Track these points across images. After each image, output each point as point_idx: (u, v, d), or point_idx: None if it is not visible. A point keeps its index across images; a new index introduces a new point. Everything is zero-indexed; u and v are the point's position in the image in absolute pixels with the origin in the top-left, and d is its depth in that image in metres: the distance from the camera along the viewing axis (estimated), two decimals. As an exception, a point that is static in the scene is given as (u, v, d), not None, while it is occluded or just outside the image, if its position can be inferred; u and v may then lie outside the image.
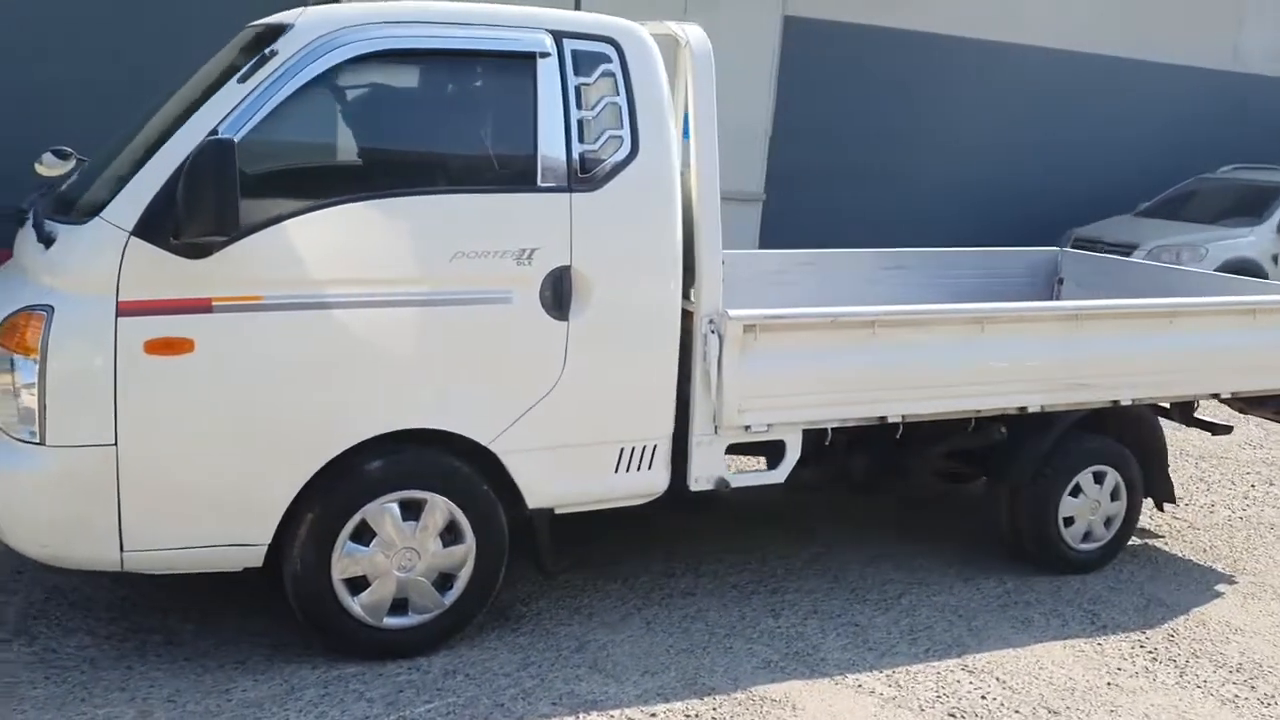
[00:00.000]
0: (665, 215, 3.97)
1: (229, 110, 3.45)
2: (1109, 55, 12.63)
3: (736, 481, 4.27)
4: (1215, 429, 5.69)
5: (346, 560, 3.71)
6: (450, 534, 3.86)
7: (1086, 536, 5.01)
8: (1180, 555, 5.33)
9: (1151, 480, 5.18)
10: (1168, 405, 5.35)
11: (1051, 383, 4.69)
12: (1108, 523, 5.05)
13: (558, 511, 4.04)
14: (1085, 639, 4.36)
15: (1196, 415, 5.67)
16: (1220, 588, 4.95)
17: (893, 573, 4.88)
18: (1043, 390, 4.68)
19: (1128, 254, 11.39)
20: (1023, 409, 4.66)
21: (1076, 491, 4.93)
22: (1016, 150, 12.54)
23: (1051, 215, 12.47)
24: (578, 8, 10.51)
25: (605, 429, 4.00)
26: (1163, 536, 5.56)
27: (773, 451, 4.40)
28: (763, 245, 11.04)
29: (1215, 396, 5.15)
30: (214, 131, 3.37)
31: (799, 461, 4.92)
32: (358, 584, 3.77)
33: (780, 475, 4.39)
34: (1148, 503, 5.23)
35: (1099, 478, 4.97)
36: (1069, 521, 4.95)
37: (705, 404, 4.12)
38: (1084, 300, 5.29)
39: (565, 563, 4.26)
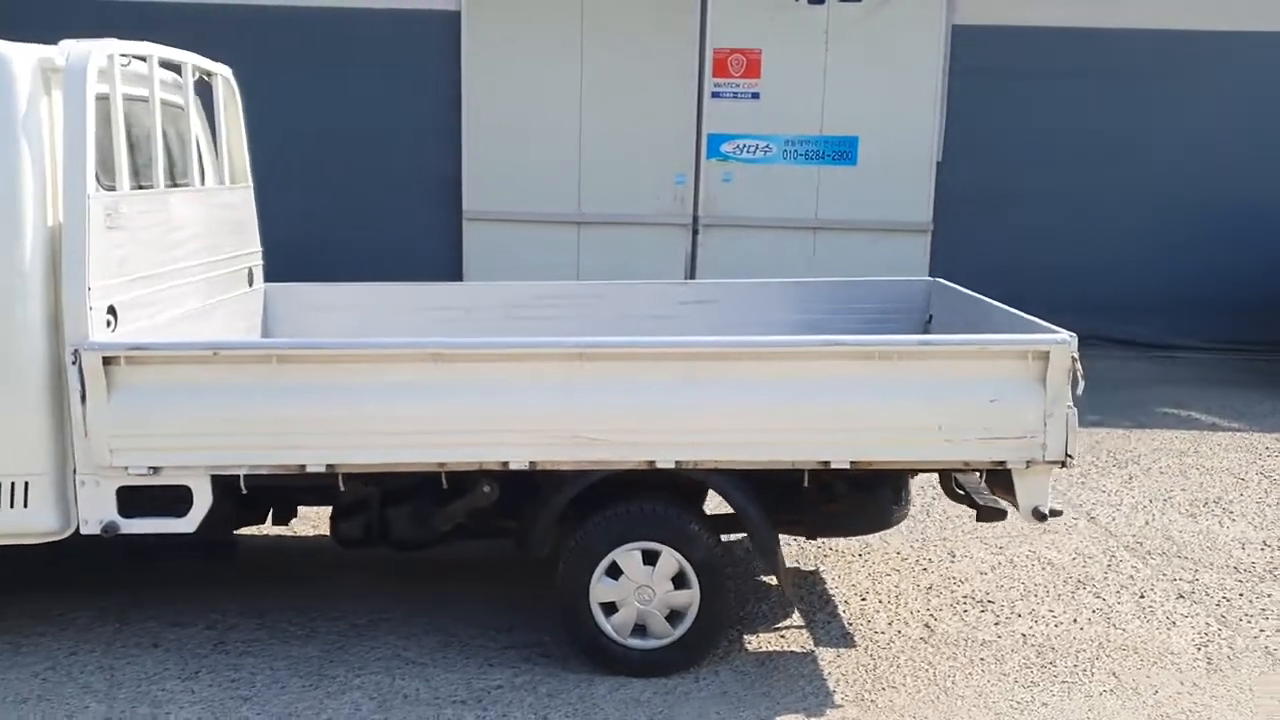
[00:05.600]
0: (3, 240, 3.76)
1: None
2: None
3: (131, 527, 3.90)
4: (981, 513, 4.36)
5: None
6: None
7: (641, 631, 4.02)
8: (821, 670, 4.08)
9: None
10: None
11: (544, 435, 3.82)
12: (673, 616, 4.02)
13: (-62, 543, 3.93)
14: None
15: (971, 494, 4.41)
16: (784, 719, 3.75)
17: (376, 645, 4.24)
18: (534, 444, 3.83)
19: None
20: (505, 464, 3.85)
21: (616, 572, 3.98)
22: (1249, 164, 10.27)
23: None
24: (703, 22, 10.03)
25: (-42, 462, 3.83)
26: (853, 647, 4.29)
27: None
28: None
29: (825, 465, 3.90)
30: None
31: (340, 513, 4.45)
32: None
33: (190, 524, 3.94)
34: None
35: (650, 557, 3.97)
36: (610, 609, 4.00)
37: (80, 442, 3.82)
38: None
39: None
